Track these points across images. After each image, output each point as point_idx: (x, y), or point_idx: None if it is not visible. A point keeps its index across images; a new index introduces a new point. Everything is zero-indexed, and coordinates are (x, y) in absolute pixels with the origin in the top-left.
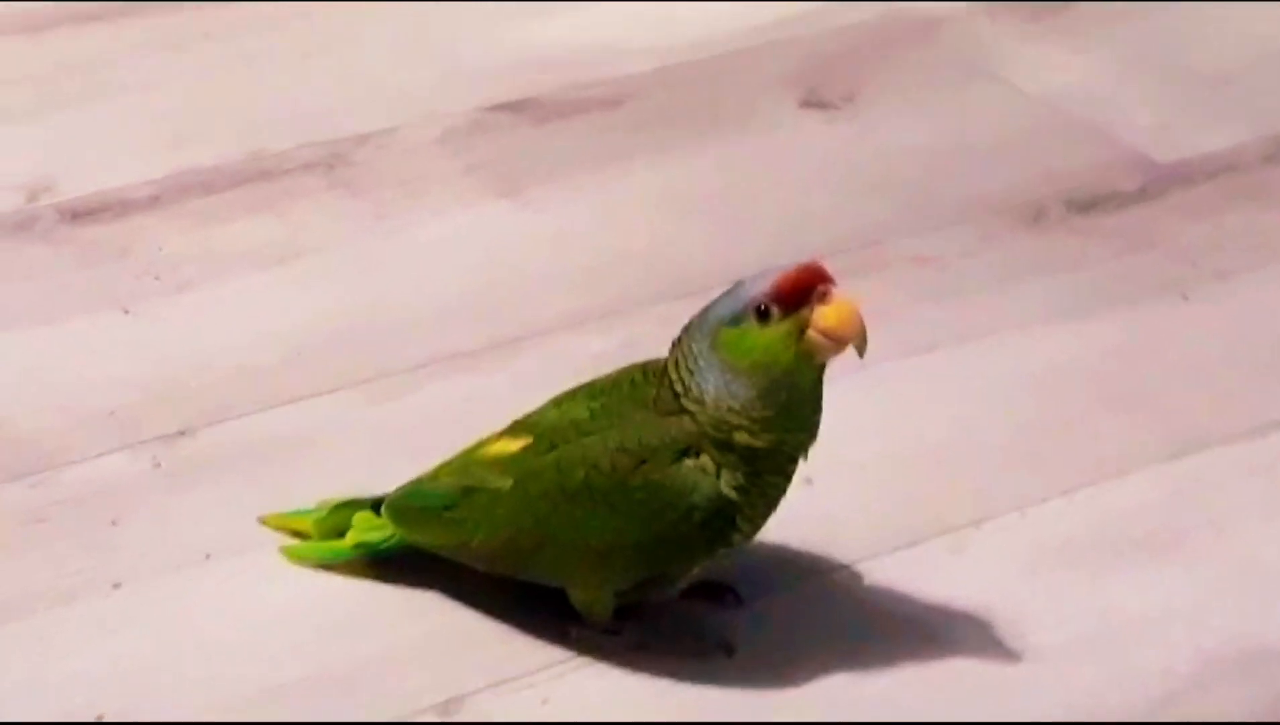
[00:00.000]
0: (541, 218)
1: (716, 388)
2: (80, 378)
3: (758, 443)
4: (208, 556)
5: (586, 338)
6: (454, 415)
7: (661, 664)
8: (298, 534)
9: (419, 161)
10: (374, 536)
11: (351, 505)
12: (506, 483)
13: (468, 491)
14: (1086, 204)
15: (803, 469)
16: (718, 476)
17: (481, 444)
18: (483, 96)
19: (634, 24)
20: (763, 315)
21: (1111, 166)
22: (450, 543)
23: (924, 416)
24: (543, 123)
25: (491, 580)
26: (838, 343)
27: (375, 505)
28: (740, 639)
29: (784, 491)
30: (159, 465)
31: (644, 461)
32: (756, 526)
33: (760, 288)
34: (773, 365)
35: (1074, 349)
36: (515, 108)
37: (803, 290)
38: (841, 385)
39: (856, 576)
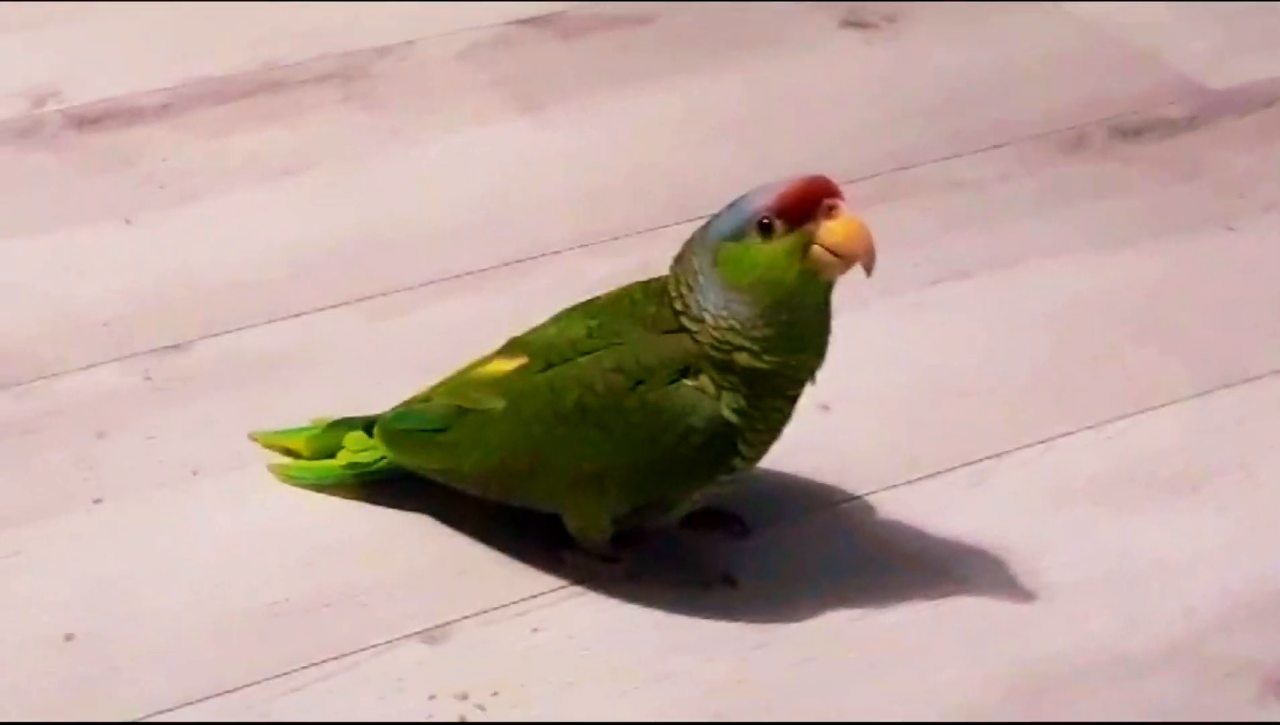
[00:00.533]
0: (561, 136)
1: (716, 305)
2: (76, 288)
3: (759, 364)
4: (194, 473)
5: (598, 260)
6: (457, 334)
7: (659, 594)
8: (289, 452)
9: (438, 76)
10: (366, 457)
11: (344, 424)
12: (499, 404)
13: (460, 413)
14: (1132, 131)
15: (820, 394)
16: (717, 398)
17: (476, 364)
18: (508, 10)
19: None
20: (765, 229)
21: (1161, 93)
22: (442, 467)
23: (950, 345)
24: (568, 38)
25: (485, 505)
26: (844, 260)
27: (368, 426)
28: (744, 570)
29: (788, 416)
30: (150, 378)
31: (640, 382)
32: (759, 452)
33: (764, 201)
34: (776, 283)
35: (1109, 280)
36: (541, 22)
37: (809, 204)
38: (866, 310)
39: (870, 508)
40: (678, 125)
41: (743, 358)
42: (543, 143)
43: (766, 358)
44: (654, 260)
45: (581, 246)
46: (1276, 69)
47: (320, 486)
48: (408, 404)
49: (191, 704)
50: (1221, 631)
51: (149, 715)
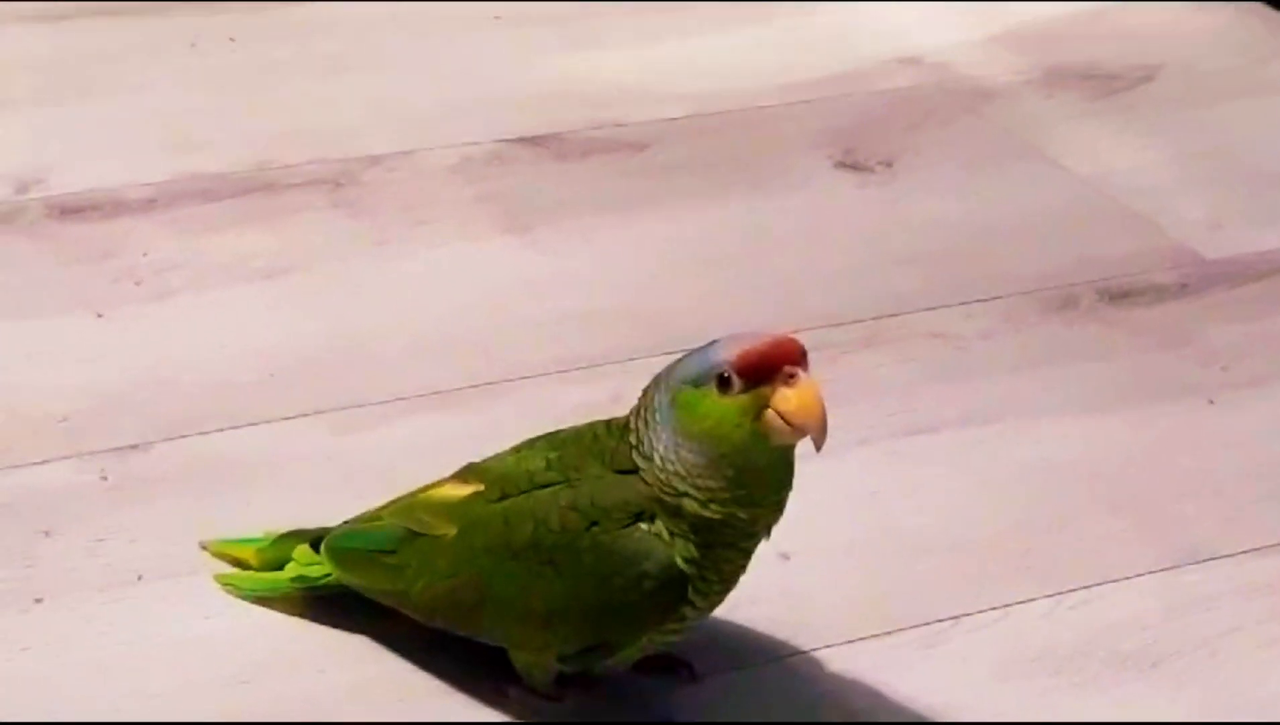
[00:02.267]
0: (546, 258)
1: (666, 448)
2: (38, 379)
3: (706, 513)
4: (139, 578)
5: (572, 387)
6: (422, 454)
7: None
8: (239, 562)
9: (429, 188)
10: (313, 572)
11: (296, 536)
12: (451, 530)
13: (409, 536)
14: (1120, 294)
15: (781, 543)
16: (671, 545)
17: (429, 487)
18: (505, 127)
19: (669, 67)
20: (724, 383)
21: (1153, 258)
22: (389, 589)
23: (917, 500)
24: (563, 160)
25: (431, 632)
26: (795, 429)
27: (316, 541)
28: (689, 717)
29: (742, 568)
30: (106, 478)
31: (594, 523)
32: (712, 603)
33: (725, 354)
34: (723, 438)
35: (1084, 445)
36: (536, 142)
37: (768, 366)
38: (836, 458)
39: (821, 663)
40: (664, 255)
41: (689, 504)
42: (527, 264)
43: (713, 507)
44: (627, 391)
45: (557, 372)
46: (1271, 242)
47: (264, 599)
48: (356, 522)
49: None
50: None
51: None
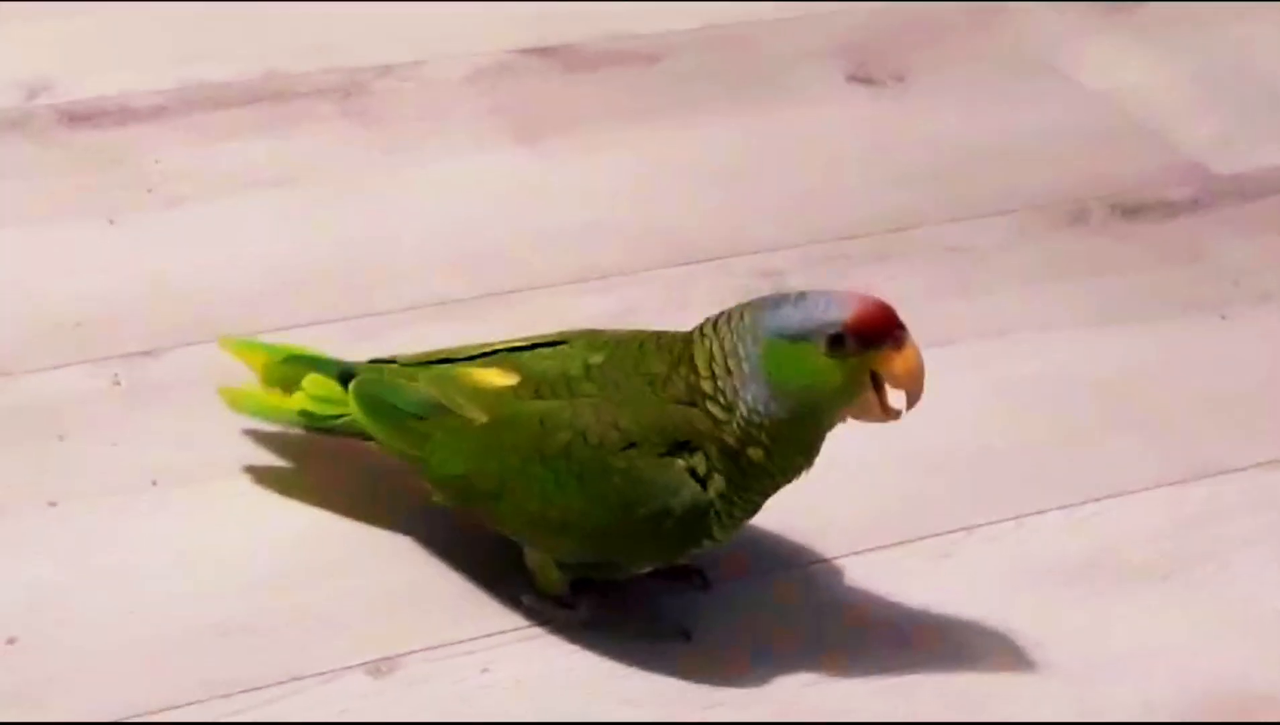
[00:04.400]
0: (557, 169)
1: (755, 400)
2: (51, 285)
3: (768, 464)
4: (154, 483)
5: (585, 297)
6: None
7: (612, 644)
8: (248, 366)
9: (439, 98)
10: (323, 409)
11: (308, 362)
12: (482, 417)
13: (441, 409)
14: (1132, 209)
15: None
16: (706, 481)
17: (467, 362)
18: (516, 38)
19: None
20: (836, 343)
21: (1165, 173)
22: (407, 451)
23: (930, 413)
24: (574, 71)
25: (445, 536)
26: (891, 412)
27: (342, 375)
28: (700, 625)
29: (760, 506)
30: (119, 383)
31: (633, 444)
32: (729, 537)
33: (840, 313)
34: (822, 396)
35: (1096, 358)
36: (547, 53)
37: (883, 330)
38: None
39: (835, 573)
40: (676, 167)
41: (756, 453)
42: (538, 173)
43: (777, 459)
44: (639, 302)
45: (568, 282)
46: None
47: (264, 420)
48: (392, 373)
49: (128, 720)
50: None
51: None
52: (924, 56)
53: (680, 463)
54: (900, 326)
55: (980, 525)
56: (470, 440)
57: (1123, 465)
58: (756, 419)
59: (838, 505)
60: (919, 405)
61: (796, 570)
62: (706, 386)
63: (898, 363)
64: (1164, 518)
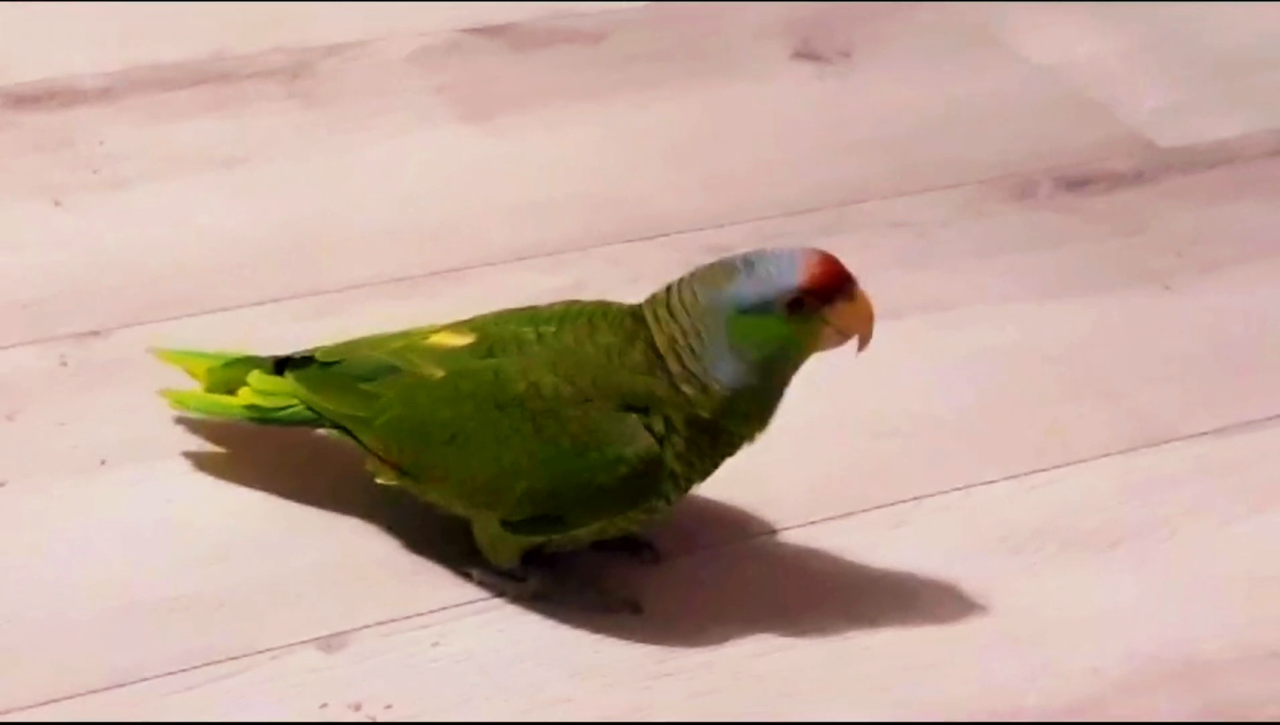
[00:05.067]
0: (505, 146)
1: (727, 375)
2: None
3: (743, 431)
4: (103, 462)
5: (535, 274)
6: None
7: (563, 616)
8: (188, 374)
9: (386, 78)
10: (269, 402)
11: (249, 362)
12: (438, 372)
13: (391, 370)
14: (1078, 182)
15: None
16: (662, 443)
17: (418, 332)
18: (463, 17)
19: None
20: (796, 306)
21: (1110, 146)
22: (355, 415)
23: (878, 385)
24: (521, 49)
25: (394, 513)
26: (846, 338)
27: (277, 366)
28: (652, 597)
29: (718, 467)
30: (66, 364)
31: (589, 400)
32: (681, 493)
33: (794, 278)
34: (789, 358)
35: (1043, 330)
36: (494, 32)
37: (836, 285)
38: None
39: (784, 544)
40: (623, 144)
41: (734, 423)
42: (486, 152)
43: (753, 424)
44: (588, 278)
45: (517, 259)
46: (1226, 131)
47: (211, 417)
48: (332, 349)
49: (79, 696)
50: (1124, 693)
51: (35, 703)
52: (869, 32)
53: (635, 417)
54: (849, 277)
55: (929, 495)
56: (425, 393)
57: (1071, 434)
58: (733, 392)
59: (787, 476)
60: (867, 350)
61: (745, 542)
62: (675, 368)
63: (851, 313)
64: (1112, 486)
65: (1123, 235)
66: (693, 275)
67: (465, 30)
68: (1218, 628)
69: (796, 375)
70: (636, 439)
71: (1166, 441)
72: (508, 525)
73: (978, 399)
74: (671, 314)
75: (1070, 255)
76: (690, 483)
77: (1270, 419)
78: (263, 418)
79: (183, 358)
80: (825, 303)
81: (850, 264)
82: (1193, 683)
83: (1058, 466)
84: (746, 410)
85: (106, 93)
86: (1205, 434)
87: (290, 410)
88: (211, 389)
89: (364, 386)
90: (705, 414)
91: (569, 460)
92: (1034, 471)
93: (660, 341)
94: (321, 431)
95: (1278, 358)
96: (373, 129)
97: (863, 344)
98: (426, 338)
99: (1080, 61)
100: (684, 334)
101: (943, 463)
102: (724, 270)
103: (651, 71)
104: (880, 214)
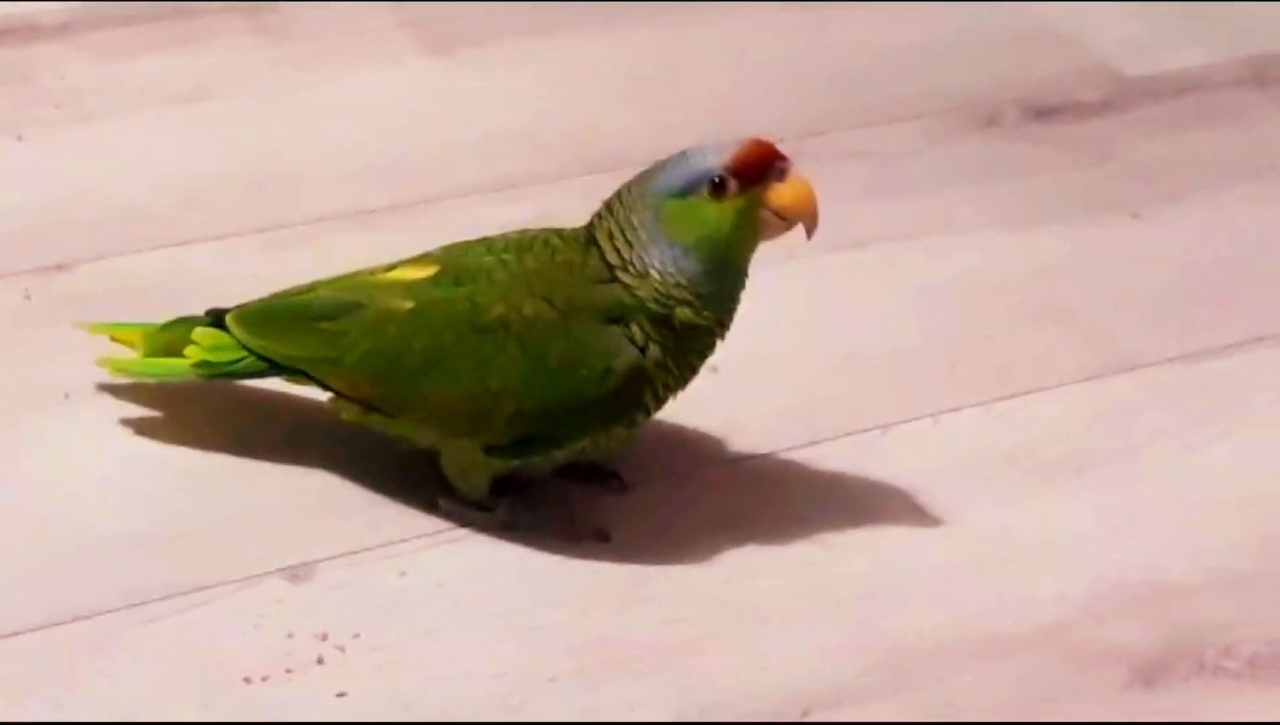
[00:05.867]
0: (470, 80)
1: (662, 261)
2: None
3: (699, 320)
4: (66, 397)
5: (500, 206)
6: (347, 270)
7: (531, 545)
8: (124, 345)
9: (350, 12)
10: (220, 356)
11: (188, 322)
12: (406, 304)
13: (354, 307)
14: (1044, 111)
15: (711, 357)
16: (643, 349)
17: (371, 271)
18: None
19: None
20: (718, 188)
21: (1076, 76)
22: (319, 355)
23: (844, 314)
24: None
25: (360, 444)
26: (790, 221)
27: (218, 321)
28: (619, 526)
29: (696, 373)
30: (29, 298)
31: (568, 316)
32: (659, 406)
33: (717, 160)
34: (724, 241)
35: (1010, 259)
36: None
37: (762, 165)
38: (762, 275)
39: (751, 472)
40: (587, 78)
41: (684, 313)
42: (451, 85)
43: (705, 314)
44: (552, 210)
45: (482, 192)
46: (1192, 60)
47: (155, 380)
48: (277, 296)
49: (43, 629)
50: (1092, 618)
51: None
52: None
53: (618, 329)
54: (781, 158)
55: (896, 423)
56: (395, 325)
57: (1038, 362)
58: (671, 279)
59: (753, 405)
60: (816, 232)
61: (713, 469)
62: (613, 259)
63: (785, 194)
64: (1079, 412)
65: (1090, 164)
66: (630, 181)
67: None
68: (1185, 552)
69: (763, 303)
70: (623, 350)
71: (1134, 368)
72: (491, 449)
73: (944, 327)
74: (611, 211)
75: (1037, 184)
76: (669, 390)
77: (1237, 345)
78: (214, 373)
79: (113, 328)
80: (752, 183)
81: (816, 192)
82: (1160, 607)
83: (1025, 393)
84: (697, 297)
85: (65, 28)
86: (1172, 360)
87: (243, 362)
88: (150, 354)
89: (326, 326)
90: (657, 307)
91: (558, 377)
92: (1001, 398)
93: (602, 238)
94: (276, 380)
95: (1245, 285)
96: (336, 64)
97: (809, 230)
98: (385, 274)
99: None
100: (619, 227)
101: (910, 390)
102: (658, 166)
103: (615, 5)
104: (846, 144)
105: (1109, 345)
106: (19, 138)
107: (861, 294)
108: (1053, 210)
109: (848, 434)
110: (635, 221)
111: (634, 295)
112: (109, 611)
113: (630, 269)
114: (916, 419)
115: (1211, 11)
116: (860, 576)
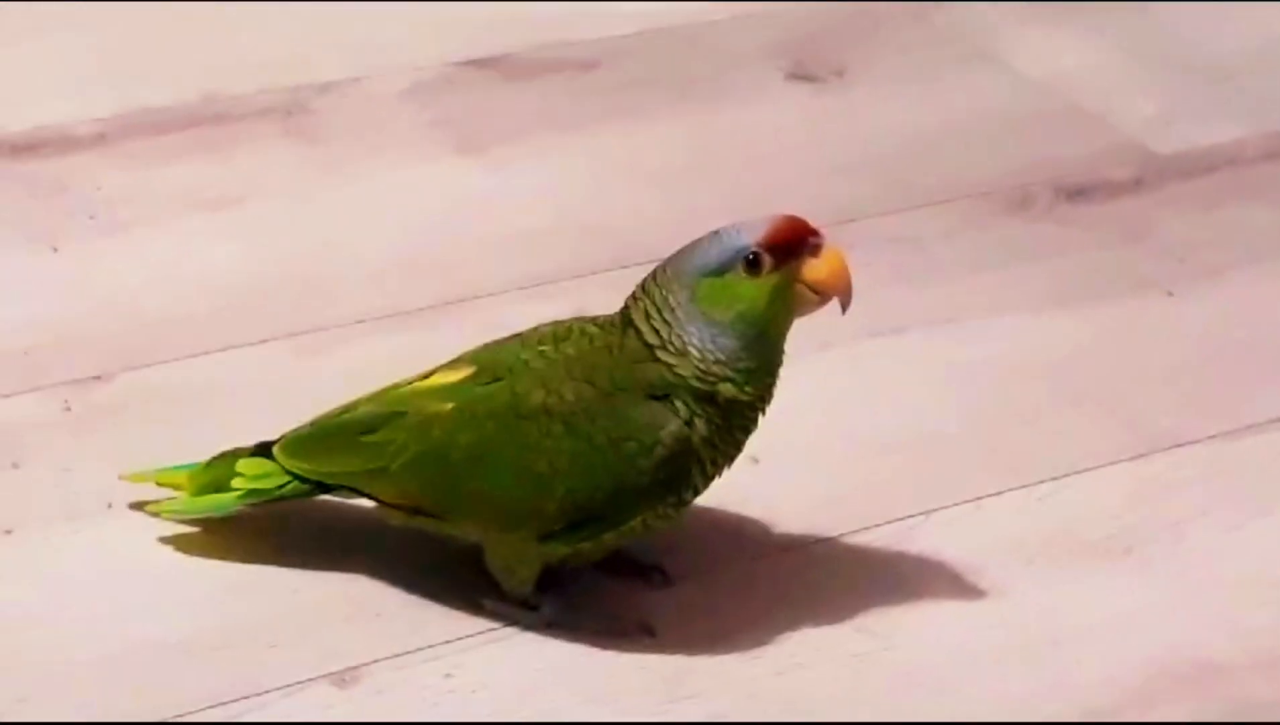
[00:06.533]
0: (501, 178)
1: (700, 339)
2: None
3: (741, 396)
4: (109, 506)
5: (535, 304)
6: (384, 373)
7: (577, 643)
8: (168, 488)
9: (381, 114)
10: (268, 483)
11: (232, 455)
12: (446, 406)
13: (395, 416)
14: (1076, 191)
15: (750, 447)
16: (689, 423)
17: (408, 381)
18: (454, 50)
19: None
20: (752, 265)
21: (1107, 155)
22: (365, 467)
23: (883, 400)
24: (514, 80)
25: (403, 546)
26: (825, 296)
27: (262, 451)
28: (664, 620)
29: (740, 450)
30: (69, 409)
31: (611, 395)
32: (707, 484)
33: (751, 237)
34: (759, 317)
35: (1047, 340)
36: (487, 64)
37: (795, 241)
38: (800, 364)
39: (794, 562)
40: (619, 171)
41: (727, 389)
42: (482, 185)
43: (748, 389)
44: (588, 306)
45: (517, 289)
46: (1221, 135)
47: (210, 519)
48: (318, 419)
49: None
50: (1142, 700)
51: None
52: (862, 51)
53: (662, 405)
54: (814, 233)
55: (938, 509)
56: (438, 427)
57: (1077, 443)
58: (710, 356)
59: (795, 494)
60: (850, 305)
61: (755, 561)
62: (652, 339)
63: (820, 268)
64: (1120, 493)
65: (1123, 243)
66: (665, 262)
67: (457, 63)
68: (1231, 631)
69: (801, 392)
70: (668, 422)
71: (1173, 447)
72: (542, 537)
73: (983, 411)
74: (648, 295)
75: (1071, 265)
76: (716, 467)
77: (1276, 421)
78: (263, 501)
79: (160, 476)
80: (788, 259)
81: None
82: (1207, 688)
83: (1065, 475)
84: (738, 373)
85: (101, 138)
86: (1211, 438)
87: (289, 486)
88: (198, 493)
89: (368, 438)
90: (699, 384)
91: (606, 454)
92: (1042, 481)
93: (639, 319)
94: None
95: None
96: (368, 165)
97: (844, 304)
98: (420, 383)
99: (1073, 72)
100: (657, 306)
101: (951, 475)
102: (692, 245)
103: (645, 98)
104: (879, 230)
105: (1148, 424)
106: (54, 249)
107: (899, 380)
108: (1087, 291)
109: (890, 521)
110: (671, 301)
111: (676, 373)
112: (159, 722)
113: (670, 347)
114: (958, 504)
115: (1237, 85)
116: (907, 665)
